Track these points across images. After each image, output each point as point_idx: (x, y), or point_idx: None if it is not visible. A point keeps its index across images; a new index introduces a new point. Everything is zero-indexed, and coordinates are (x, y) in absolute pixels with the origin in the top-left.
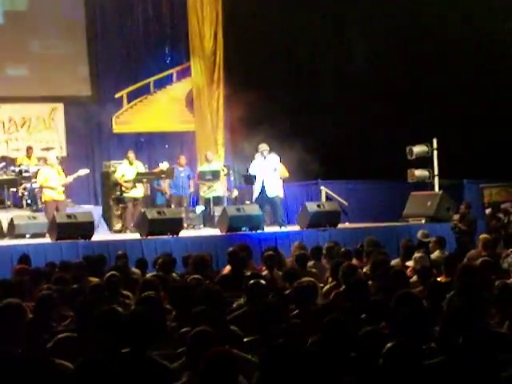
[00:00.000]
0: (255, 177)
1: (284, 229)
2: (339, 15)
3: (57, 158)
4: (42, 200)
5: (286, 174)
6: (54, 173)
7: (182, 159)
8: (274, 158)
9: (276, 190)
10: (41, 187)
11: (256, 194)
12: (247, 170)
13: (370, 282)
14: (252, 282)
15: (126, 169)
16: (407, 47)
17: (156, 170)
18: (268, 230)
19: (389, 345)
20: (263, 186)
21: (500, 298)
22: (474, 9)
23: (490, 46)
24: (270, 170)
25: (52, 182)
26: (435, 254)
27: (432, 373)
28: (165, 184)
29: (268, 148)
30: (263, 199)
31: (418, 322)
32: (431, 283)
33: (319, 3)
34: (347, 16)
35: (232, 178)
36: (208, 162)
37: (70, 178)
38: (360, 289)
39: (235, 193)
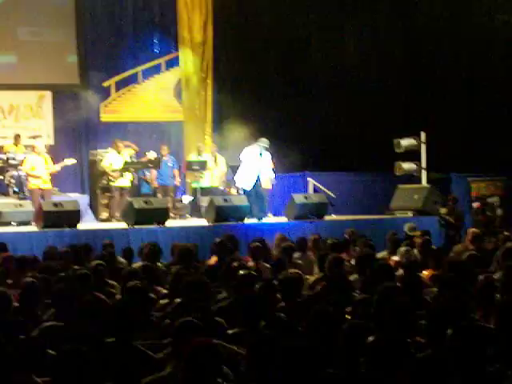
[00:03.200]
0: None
1: (263, 221)
2: (333, 7)
3: (44, 146)
4: (28, 188)
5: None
6: (41, 161)
7: (164, 149)
8: (268, 155)
9: (267, 183)
10: (27, 175)
11: (250, 185)
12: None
13: (355, 276)
14: (238, 272)
15: (113, 158)
16: (397, 42)
17: (143, 160)
18: (253, 221)
19: (371, 338)
20: (258, 179)
21: (482, 292)
22: (466, 1)
23: (481, 40)
24: (265, 166)
25: (38, 170)
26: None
27: (419, 366)
28: (152, 175)
29: (268, 145)
30: (255, 191)
31: (402, 316)
32: (410, 277)
33: None
34: (341, 9)
35: (225, 168)
36: (199, 153)
37: (57, 167)
38: (345, 281)
39: (233, 191)
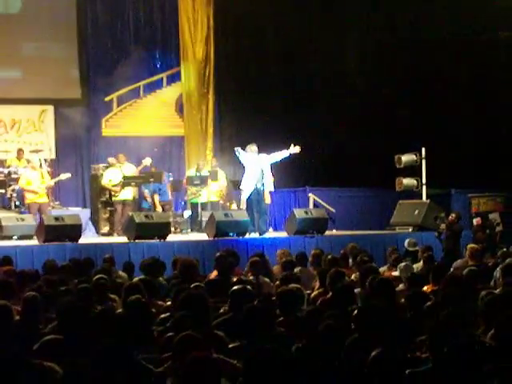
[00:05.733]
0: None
1: (266, 235)
2: (334, 22)
3: (45, 160)
4: (25, 202)
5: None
6: (36, 175)
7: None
8: (265, 156)
9: (268, 197)
10: (22, 190)
11: (252, 186)
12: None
13: (358, 290)
14: (237, 287)
15: (112, 174)
16: (397, 58)
17: (139, 168)
18: (254, 235)
19: (373, 353)
20: (263, 190)
21: (486, 308)
22: (468, 16)
23: (482, 55)
24: (266, 167)
25: (33, 184)
26: (421, 263)
27: (418, 381)
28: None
29: (257, 149)
30: (258, 203)
31: (402, 331)
32: (412, 293)
33: (314, 10)
34: (342, 24)
35: (225, 183)
36: (199, 170)
37: (52, 182)
38: (347, 295)
39: (234, 205)
